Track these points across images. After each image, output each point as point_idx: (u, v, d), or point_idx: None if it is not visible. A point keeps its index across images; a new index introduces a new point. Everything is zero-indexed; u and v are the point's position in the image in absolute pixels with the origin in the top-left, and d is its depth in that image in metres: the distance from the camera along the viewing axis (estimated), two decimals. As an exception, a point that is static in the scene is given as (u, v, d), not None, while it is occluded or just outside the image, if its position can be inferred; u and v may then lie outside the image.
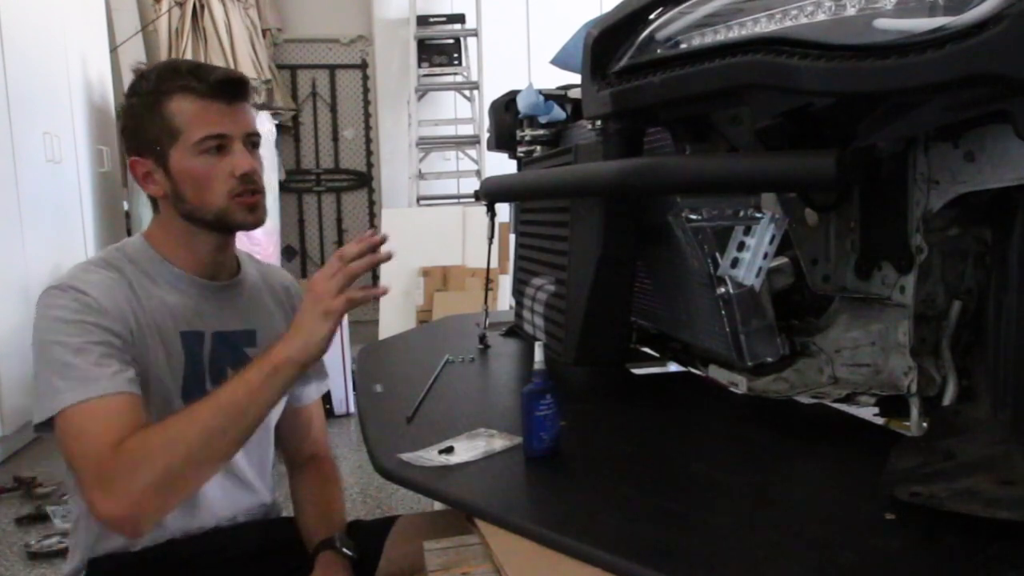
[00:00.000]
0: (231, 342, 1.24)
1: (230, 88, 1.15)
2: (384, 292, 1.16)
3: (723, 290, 1.19)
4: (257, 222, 1.19)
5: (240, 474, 1.26)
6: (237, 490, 1.26)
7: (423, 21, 5.54)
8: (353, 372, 3.63)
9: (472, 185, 4.97)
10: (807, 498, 1.01)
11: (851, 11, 0.84)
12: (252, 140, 1.18)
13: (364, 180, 6.59)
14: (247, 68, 5.75)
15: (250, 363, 1.08)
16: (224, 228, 1.18)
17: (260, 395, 1.05)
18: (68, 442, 1.03)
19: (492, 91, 2.52)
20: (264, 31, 6.10)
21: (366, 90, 6.54)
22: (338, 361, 3.60)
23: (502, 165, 2.14)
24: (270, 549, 1.25)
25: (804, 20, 0.89)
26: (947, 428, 1.01)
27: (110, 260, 1.16)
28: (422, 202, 5.49)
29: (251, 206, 1.17)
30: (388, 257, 1.11)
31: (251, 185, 1.16)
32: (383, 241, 1.10)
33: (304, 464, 1.38)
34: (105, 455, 1.00)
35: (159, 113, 1.13)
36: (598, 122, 1.32)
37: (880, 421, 1.27)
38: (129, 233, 4.56)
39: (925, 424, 1.09)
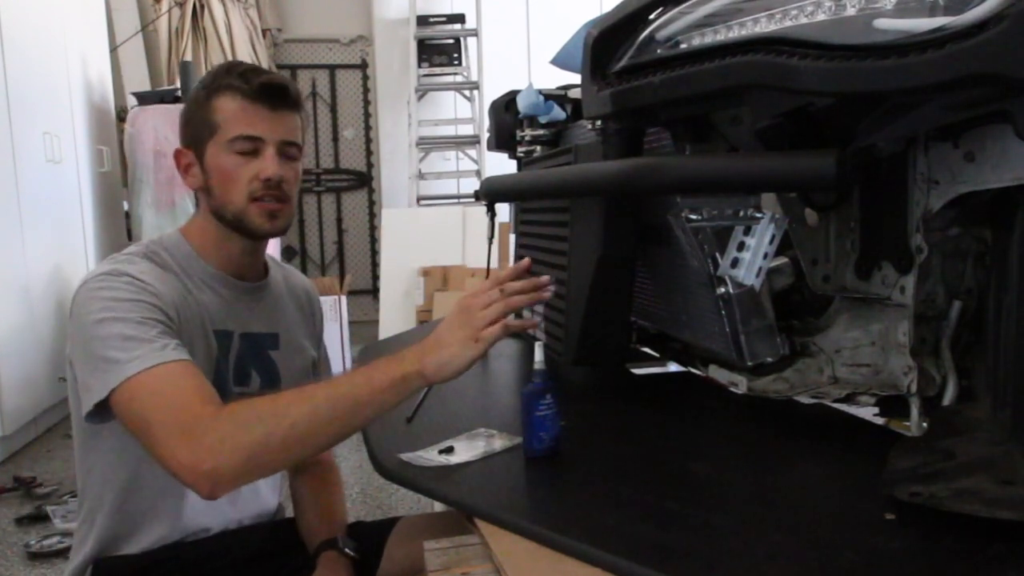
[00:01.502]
0: (257, 344, 1.24)
1: (273, 93, 1.15)
2: (535, 325, 1.09)
3: (723, 290, 1.19)
4: (275, 230, 1.18)
5: (253, 483, 1.26)
6: (248, 497, 1.26)
7: (423, 21, 5.55)
8: (353, 372, 3.62)
9: (472, 185, 4.99)
10: (807, 498, 1.01)
11: (851, 11, 0.84)
12: (288, 149, 1.17)
13: (364, 180, 6.59)
14: (247, 68, 5.74)
15: (379, 362, 1.02)
16: (242, 231, 1.18)
17: (380, 398, 1.00)
18: (142, 401, 0.98)
19: (492, 91, 2.52)
20: (264, 31, 6.11)
21: (366, 90, 6.55)
22: (338, 361, 3.61)
23: (502, 165, 2.14)
24: (273, 551, 1.25)
25: (804, 20, 0.89)
26: (947, 428, 1.01)
27: (151, 254, 1.16)
28: (422, 202, 5.49)
29: (271, 212, 1.16)
30: (550, 294, 1.07)
31: (274, 191, 1.15)
32: (548, 282, 1.07)
33: (306, 467, 1.38)
34: (197, 410, 0.96)
35: (206, 108, 1.15)
36: (598, 122, 1.32)
37: (880, 421, 1.27)
38: (129, 233, 4.56)
39: (925, 424, 1.09)
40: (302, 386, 1.03)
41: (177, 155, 1.20)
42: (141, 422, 0.99)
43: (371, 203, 6.57)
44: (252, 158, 1.14)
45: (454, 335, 1.02)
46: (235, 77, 1.14)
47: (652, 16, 1.18)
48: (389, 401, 1.01)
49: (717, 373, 1.34)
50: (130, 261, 1.13)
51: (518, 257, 1.99)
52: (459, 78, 5.68)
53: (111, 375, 1.00)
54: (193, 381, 1.01)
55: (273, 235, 1.19)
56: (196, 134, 1.17)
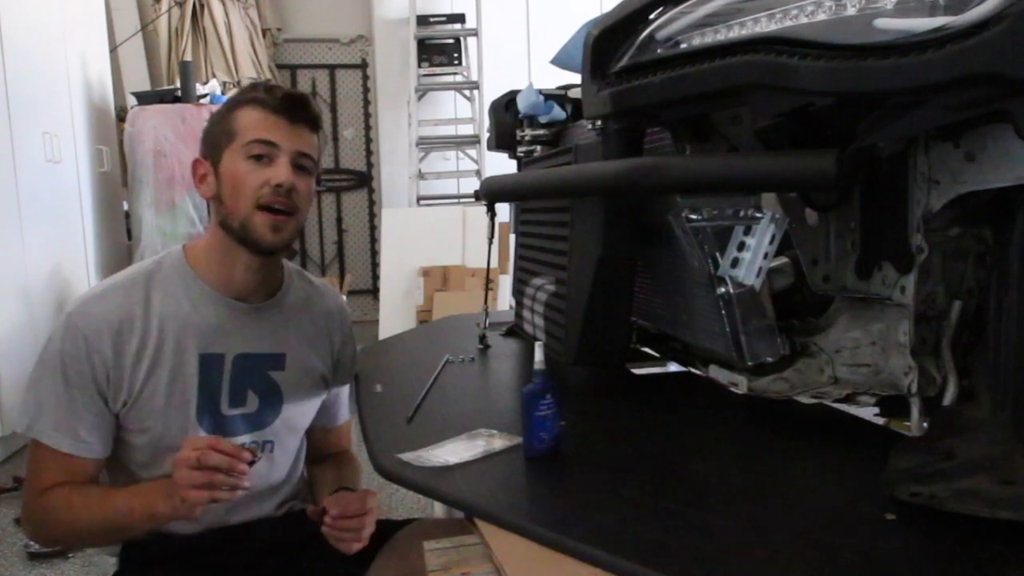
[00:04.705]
0: (255, 365, 1.24)
1: (294, 107, 1.17)
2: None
3: (723, 290, 1.19)
4: (278, 243, 1.18)
5: (276, 483, 1.30)
6: (269, 494, 1.29)
7: (423, 21, 5.54)
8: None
9: (472, 185, 4.98)
10: (807, 498, 1.01)
11: (851, 11, 0.84)
12: (302, 161, 1.18)
13: (364, 180, 6.59)
14: (247, 68, 5.75)
15: (145, 490, 1.11)
16: (247, 243, 1.17)
17: (136, 527, 1.13)
18: (28, 459, 1.20)
19: (492, 91, 2.52)
20: (264, 31, 6.10)
21: (366, 90, 6.55)
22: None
23: (502, 165, 2.14)
24: (286, 541, 1.28)
25: (804, 20, 0.89)
26: (947, 428, 1.01)
27: (138, 278, 1.19)
28: (422, 202, 5.49)
29: (275, 225, 1.16)
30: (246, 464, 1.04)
31: (283, 199, 1.15)
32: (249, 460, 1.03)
33: (326, 456, 1.44)
34: (32, 498, 1.16)
35: (227, 119, 1.19)
36: (598, 122, 1.32)
37: (880, 421, 1.27)
38: (129, 233, 4.56)
39: (925, 424, 1.09)
40: (90, 499, 1.14)
41: (195, 165, 1.22)
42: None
43: (371, 203, 6.57)
44: (266, 165, 1.16)
45: (179, 485, 1.03)
46: (259, 91, 1.18)
47: (652, 16, 1.18)
48: (144, 528, 1.13)
49: (717, 373, 1.34)
50: (101, 297, 1.17)
51: (519, 258, 1.99)
52: (459, 78, 5.68)
53: (27, 420, 1.15)
54: (55, 472, 1.15)
55: (275, 248, 1.19)
56: (214, 143, 1.19)
